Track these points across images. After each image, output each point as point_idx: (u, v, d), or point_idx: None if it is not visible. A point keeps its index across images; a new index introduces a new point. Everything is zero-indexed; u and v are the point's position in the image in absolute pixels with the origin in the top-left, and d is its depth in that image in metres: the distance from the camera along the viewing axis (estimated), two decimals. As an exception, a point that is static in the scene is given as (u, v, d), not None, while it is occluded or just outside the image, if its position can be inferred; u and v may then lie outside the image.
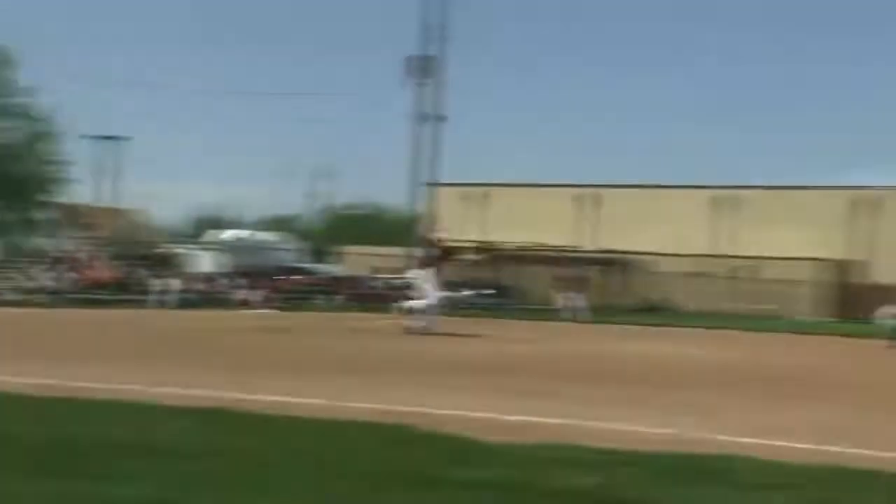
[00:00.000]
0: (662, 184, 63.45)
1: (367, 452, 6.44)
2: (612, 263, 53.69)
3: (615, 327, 29.48)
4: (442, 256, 20.61)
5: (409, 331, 19.73)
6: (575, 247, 54.82)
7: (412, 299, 20.65)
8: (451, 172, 59.02)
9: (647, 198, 61.03)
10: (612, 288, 50.67)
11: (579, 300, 35.48)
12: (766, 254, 51.29)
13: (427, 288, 19.88)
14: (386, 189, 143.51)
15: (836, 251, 53.45)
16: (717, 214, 59.12)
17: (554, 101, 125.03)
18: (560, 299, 36.05)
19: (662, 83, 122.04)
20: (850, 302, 48.18)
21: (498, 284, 49.55)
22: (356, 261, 56.91)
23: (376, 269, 48.87)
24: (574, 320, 32.99)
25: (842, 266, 53.73)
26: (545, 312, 36.51)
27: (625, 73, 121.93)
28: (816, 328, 32.96)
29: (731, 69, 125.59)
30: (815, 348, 23.89)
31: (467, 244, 40.88)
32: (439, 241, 21.08)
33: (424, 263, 20.33)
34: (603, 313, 36.06)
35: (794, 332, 30.31)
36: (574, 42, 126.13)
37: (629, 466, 6.38)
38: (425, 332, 19.33)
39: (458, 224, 63.02)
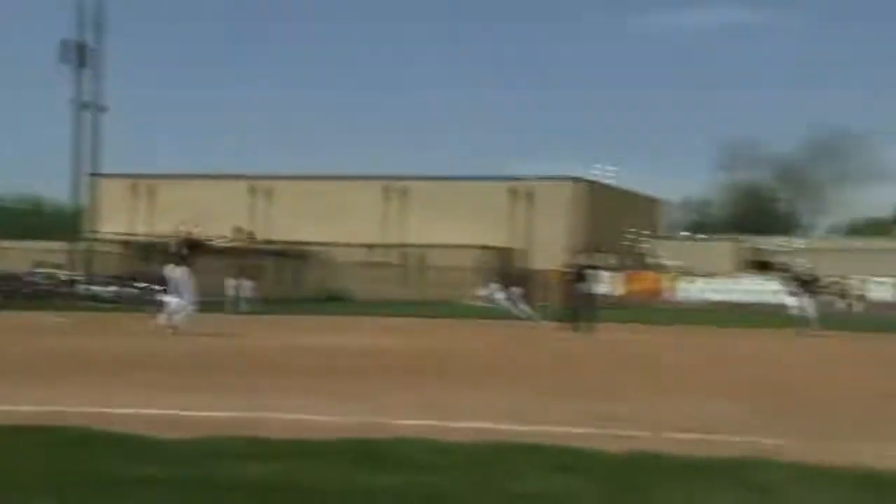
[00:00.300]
0: (336, 174, 64.35)
1: (35, 456, 6.16)
2: (287, 255, 53.77)
3: (291, 318, 29.54)
4: (193, 251, 19.63)
5: (160, 329, 18.80)
6: (249, 237, 54.44)
7: (167, 296, 19.72)
8: (124, 163, 56.91)
9: (319, 188, 61.62)
10: (288, 279, 50.73)
11: (249, 291, 35.50)
12: (435, 242, 53.20)
13: (180, 285, 19.00)
14: (48, 181, 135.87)
15: (498, 239, 56.30)
16: (388, 204, 60.72)
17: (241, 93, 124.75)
18: (231, 290, 35.64)
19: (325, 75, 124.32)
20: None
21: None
22: (16, 256, 53.43)
23: (38, 264, 46.08)
24: (244, 311, 32.90)
25: (504, 253, 56.73)
26: (215, 304, 35.97)
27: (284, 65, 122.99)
28: (485, 314, 34.65)
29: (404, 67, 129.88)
30: (483, 333, 25.03)
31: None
32: (191, 234, 20.05)
33: (179, 259, 19.35)
34: (279, 304, 36.09)
35: (462, 318, 31.62)
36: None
37: (306, 455, 6.50)
38: (175, 331, 18.48)
39: (124, 216, 60.94)
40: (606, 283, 50.07)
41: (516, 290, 29.84)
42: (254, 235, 55.62)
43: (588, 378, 12.66)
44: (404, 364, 14.63)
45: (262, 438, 7.08)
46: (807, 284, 25.42)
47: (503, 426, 8.24)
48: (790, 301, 26.37)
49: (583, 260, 24.57)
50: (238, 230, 53.60)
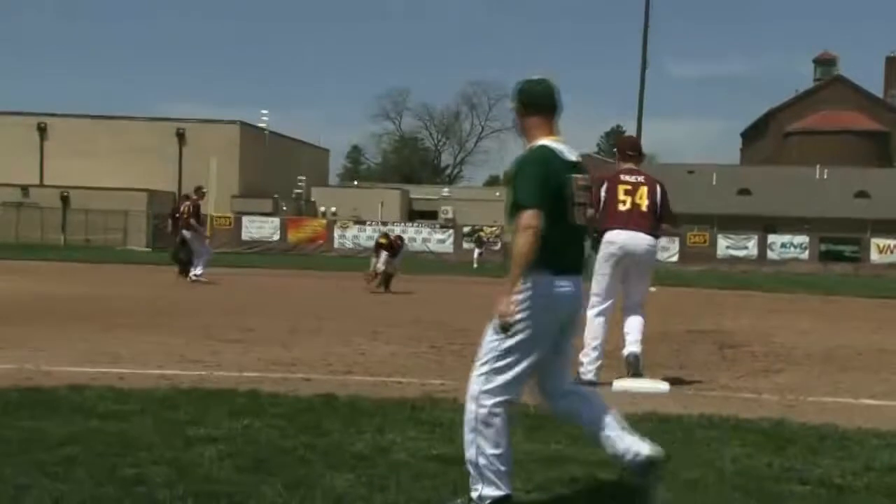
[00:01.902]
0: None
1: None
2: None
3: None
4: None
5: None
6: None
7: None
8: None
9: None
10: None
11: None
12: (89, 184, 50.43)
13: None
14: None
15: (156, 182, 54.15)
16: (33, 143, 56.96)
17: None
18: None
19: None
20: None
21: None
22: None
23: None
24: None
25: (162, 197, 54.75)
26: None
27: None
28: (146, 259, 33.58)
29: None
30: (140, 278, 24.29)
31: None
32: None
33: None
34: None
35: (119, 264, 30.55)
36: None
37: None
38: None
39: None
40: (270, 230, 50.10)
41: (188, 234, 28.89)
42: None
43: (256, 323, 12.68)
44: (65, 310, 13.98)
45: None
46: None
47: (176, 371, 8.17)
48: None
49: (192, 201, 22.90)
50: None
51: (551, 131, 4.58)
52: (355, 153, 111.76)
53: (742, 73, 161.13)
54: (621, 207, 8.32)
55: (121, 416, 6.02)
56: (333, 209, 60.28)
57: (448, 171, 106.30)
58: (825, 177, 76.27)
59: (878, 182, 75.25)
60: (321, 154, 77.41)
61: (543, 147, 4.50)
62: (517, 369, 4.35)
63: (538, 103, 4.60)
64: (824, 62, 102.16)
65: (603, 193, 8.31)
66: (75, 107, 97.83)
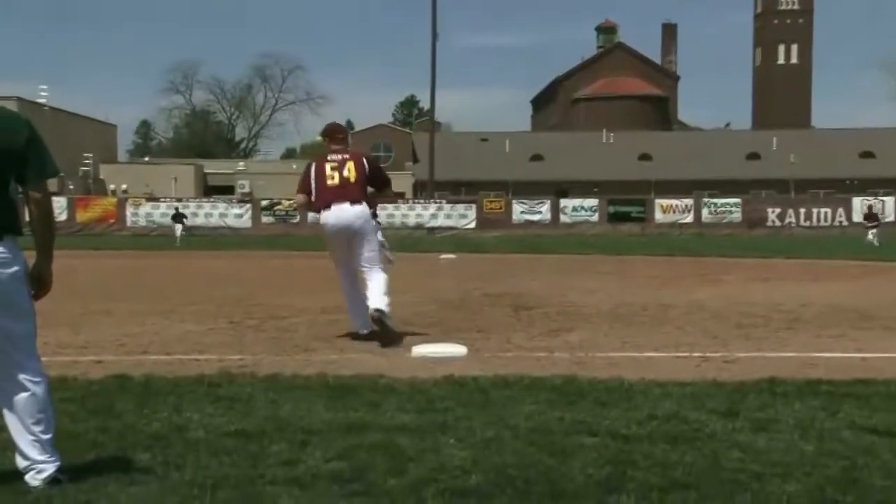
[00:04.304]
0: None
1: None
2: None
3: None
4: None
5: None
6: None
7: None
8: None
9: None
10: None
11: None
12: None
13: None
14: None
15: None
16: None
17: None
18: None
19: None
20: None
21: None
22: None
23: None
24: None
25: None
26: None
27: None
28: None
29: None
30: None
31: None
32: None
33: None
34: None
35: None
36: None
37: None
38: None
39: None
40: (56, 210, 47.95)
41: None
42: None
43: (42, 307, 12.15)
44: None
45: None
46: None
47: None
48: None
49: None
50: None
51: None
52: (144, 128, 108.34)
53: (529, 42, 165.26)
54: (329, 182, 9.00)
55: None
56: (124, 187, 58.33)
57: (243, 145, 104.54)
58: (611, 141, 79.37)
59: (660, 145, 78.91)
60: (108, 130, 74.61)
61: None
62: None
63: None
64: (606, 30, 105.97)
65: (313, 175, 9.11)
66: None
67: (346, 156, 9.14)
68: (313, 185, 9.07)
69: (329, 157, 9.15)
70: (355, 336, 9.27)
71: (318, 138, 10.19)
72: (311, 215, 10.13)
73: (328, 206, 8.94)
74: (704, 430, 5.34)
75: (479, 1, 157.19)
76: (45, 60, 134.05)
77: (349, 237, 9.02)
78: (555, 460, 4.74)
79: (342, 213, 8.92)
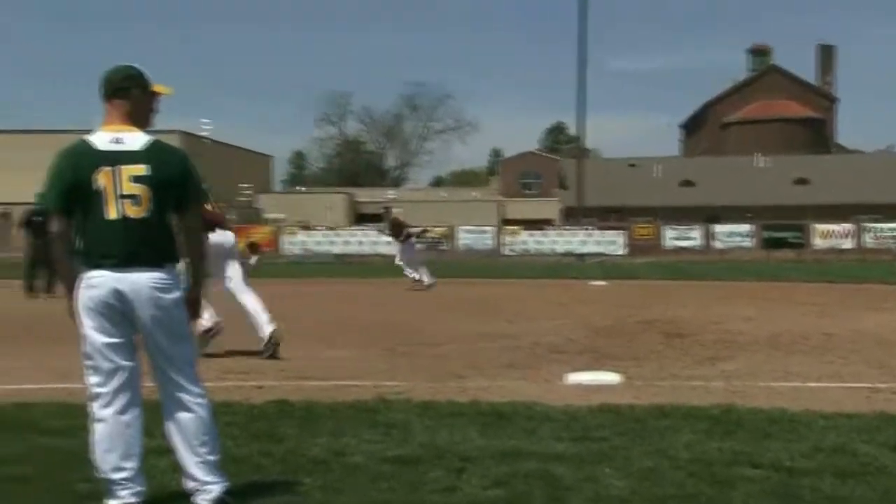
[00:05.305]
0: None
1: None
2: None
3: None
4: None
5: None
6: None
7: None
8: None
9: None
10: None
11: None
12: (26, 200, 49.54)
13: None
14: None
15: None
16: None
17: None
18: None
19: None
20: None
21: None
22: None
23: None
24: None
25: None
26: None
27: None
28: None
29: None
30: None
31: None
32: None
33: None
34: None
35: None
36: None
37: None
38: None
39: None
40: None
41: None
42: None
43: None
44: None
45: None
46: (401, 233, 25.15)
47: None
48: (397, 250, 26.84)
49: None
50: None
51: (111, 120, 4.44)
52: (298, 159, 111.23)
53: (677, 66, 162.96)
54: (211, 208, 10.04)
55: (70, 433, 5.94)
56: (280, 215, 59.97)
57: (393, 174, 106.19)
58: (765, 165, 77.36)
59: (817, 168, 76.46)
60: (264, 160, 76.99)
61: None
62: None
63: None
64: (758, 52, 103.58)
65: None
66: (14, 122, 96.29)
67: None
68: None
69: None
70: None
71: None
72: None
73: (212, 230, 9.77)
74: (874, 465, 5.13)
75: (626, 25, 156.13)
76: (207, 95, 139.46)
77: (217, 258, 9.80)
78: (716, 491, 4.62)
79: (222, 237, 10.22)
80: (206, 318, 9.71)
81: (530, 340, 11.45)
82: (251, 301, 10.27)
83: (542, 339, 11.53)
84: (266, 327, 9.99)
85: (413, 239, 24.44)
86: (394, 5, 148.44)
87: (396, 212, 25.92)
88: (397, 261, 24.36)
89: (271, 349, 9.88)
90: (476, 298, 19.64)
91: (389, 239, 25.42)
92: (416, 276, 23.32)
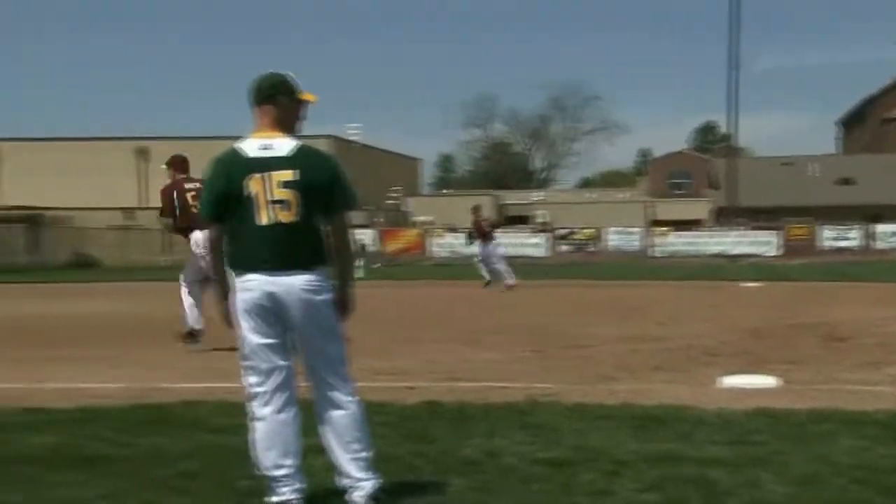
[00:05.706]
0: (84, 136, 61.49)
1: None
2: (27, 220, 50.57)
3: (41, 286, 28.15)
4: None
5: None
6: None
7: None
8: None
9: (65, 150, 58.73)
10: (34, 245, 47.87)
11: None
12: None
13: None
14: None
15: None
16: (143, 165, 58.64)
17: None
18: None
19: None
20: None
21: None
22: None
23: None
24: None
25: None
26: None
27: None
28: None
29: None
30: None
31: None
32: None
33: None
34: (26, 272, 34.34)
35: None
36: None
37: (88, 421, 6.38)
38: None
39: None
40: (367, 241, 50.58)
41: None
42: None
43: (353, 333, 12.81)
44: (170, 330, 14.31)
45: (40, 408, 6.86)
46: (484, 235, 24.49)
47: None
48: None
49: None
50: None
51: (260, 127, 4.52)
52: (446, 162, 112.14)
53: (833, 62, 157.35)
54: (195, 210, 10.23)
55: (234, 430, 6.14)
56: (428, 218, 60.62)
57: (540, 175, 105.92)
58: (928, 162, 73.96)
59: (985, 164, 72.69)
60: (412, 164, 77.97)
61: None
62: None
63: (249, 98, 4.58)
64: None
65: (175, 200, 10.99)
66: (175, 129, 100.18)
67: (198, 184, 10.24)
68: (179, 209, 10.90)
69: (186, 186, 11.00)
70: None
71: (164, 167, 11.71)
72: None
73: (196, 230, 10.27)
74: None
75: (778, 21, 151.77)
76: (355, 100, 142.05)
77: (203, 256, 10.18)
78: (884, 499, 4.46)
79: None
80: (193, 320, 10.87)
81: (681, 343, 11.26)
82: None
83: (693, 342, 11.32)
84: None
85: (494, 240, 24.35)
86: (541, 6, 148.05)
87: (483, 215, 25.69)
88: (477, 260, 24.39)
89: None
90: (623, 300, 19.42)
91: (473, 240, 25.27)
92: (489, 278, 23.42)
